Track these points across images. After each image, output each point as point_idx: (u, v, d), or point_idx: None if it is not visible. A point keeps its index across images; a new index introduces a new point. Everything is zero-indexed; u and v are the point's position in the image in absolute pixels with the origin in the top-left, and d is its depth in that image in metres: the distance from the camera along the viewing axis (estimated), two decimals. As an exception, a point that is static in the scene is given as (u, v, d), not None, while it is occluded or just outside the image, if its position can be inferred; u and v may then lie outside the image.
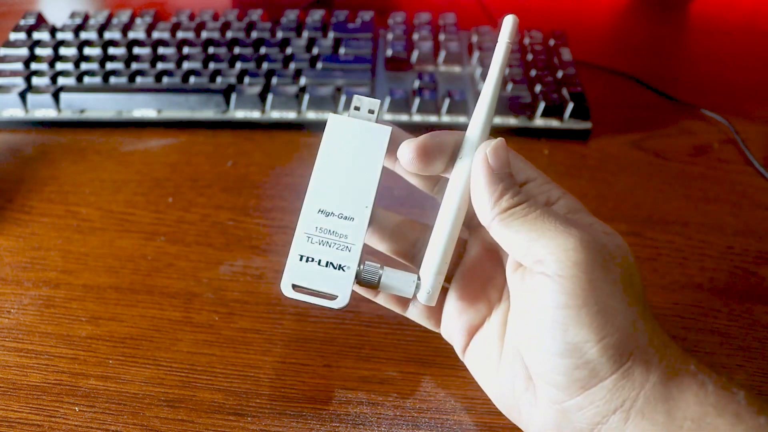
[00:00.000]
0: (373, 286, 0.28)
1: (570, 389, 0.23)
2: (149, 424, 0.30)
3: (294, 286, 0.27)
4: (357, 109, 0.28)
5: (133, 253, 0.39)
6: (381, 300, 0.30)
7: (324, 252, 0.27)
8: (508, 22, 0.26)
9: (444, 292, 0.29)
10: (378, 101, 0.28)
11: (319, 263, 0.27)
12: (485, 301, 0.29)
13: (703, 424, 0.22)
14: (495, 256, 0.29)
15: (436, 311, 0.30)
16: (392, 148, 0.27)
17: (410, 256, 0.30)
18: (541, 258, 0.23)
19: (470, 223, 0.30)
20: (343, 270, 0.27)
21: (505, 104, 0.46)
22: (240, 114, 0.48)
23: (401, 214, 0.30)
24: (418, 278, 0.28)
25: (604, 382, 0.23)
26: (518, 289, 0.26)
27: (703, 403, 0.22)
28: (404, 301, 0.30)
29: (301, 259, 0.27)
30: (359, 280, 0.27)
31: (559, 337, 0.23)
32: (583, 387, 0.23)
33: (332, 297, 0.26)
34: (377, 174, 0.27)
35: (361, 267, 0.27)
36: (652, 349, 0.23)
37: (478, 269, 0.29)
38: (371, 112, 0.28)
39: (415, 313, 0.30)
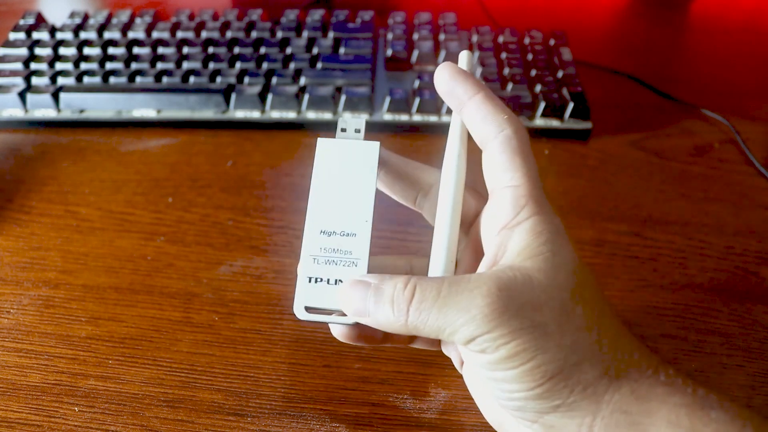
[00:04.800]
0: None
1: (533, 414, 0.23)
2: (149, 424, 0.30)
3: (307, 308, 0.26)
4: (343, 130, 0.29)
5: (133, 253, 0.39)
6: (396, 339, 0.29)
7: (331, 271, 0.27)
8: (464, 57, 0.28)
9: None
10: (363, 119, 0.29)
11: (328, 282, 0.27)
12: None
13: None
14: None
15: None
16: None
17: (418, 203, 0.29)
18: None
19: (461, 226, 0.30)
20: None
21: (505, 104, 0.46)
22: (240, 114, 0.48)
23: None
24: None
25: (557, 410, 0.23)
26: None
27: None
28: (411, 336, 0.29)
29: (310, 281, 0.27)
30: None
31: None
32: (540, 413, 0.23)
33: (345, 313, 0.26)
34: (372, 187, 0.28)
35: None
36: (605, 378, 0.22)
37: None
38: (357, 131, 0.29)
39: (420, 341, 0.29)
